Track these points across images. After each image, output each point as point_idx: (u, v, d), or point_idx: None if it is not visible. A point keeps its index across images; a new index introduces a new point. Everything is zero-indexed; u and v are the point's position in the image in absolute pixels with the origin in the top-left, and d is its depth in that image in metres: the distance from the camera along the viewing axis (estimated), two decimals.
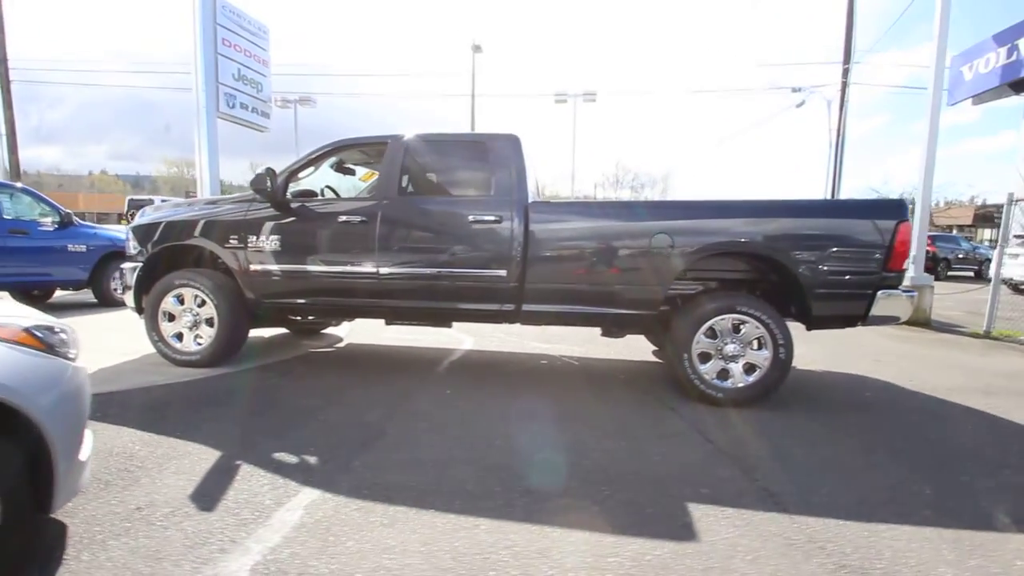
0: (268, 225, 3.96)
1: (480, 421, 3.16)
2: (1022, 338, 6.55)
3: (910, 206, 4.87)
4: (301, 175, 4.17)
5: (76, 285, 7.54)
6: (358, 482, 2.31)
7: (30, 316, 1.75)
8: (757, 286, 3.87)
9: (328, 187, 4.54)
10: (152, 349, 4.28)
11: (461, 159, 3.95)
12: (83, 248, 7.41)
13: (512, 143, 3.87)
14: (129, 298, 4.27)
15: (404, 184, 3.96)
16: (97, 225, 8.39)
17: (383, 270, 3.81)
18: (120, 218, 22.86)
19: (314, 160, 4.11)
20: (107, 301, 7.65)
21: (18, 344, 1.61)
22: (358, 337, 5.66)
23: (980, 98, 17.46)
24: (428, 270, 3.78)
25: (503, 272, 3.70)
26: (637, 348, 5.28)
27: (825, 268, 3.46)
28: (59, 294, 8.41)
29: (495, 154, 3.83)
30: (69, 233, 7.33)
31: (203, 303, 4.09)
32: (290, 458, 2.54)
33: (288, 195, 4.03)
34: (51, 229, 7.17)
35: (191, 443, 2.67)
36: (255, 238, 3.96)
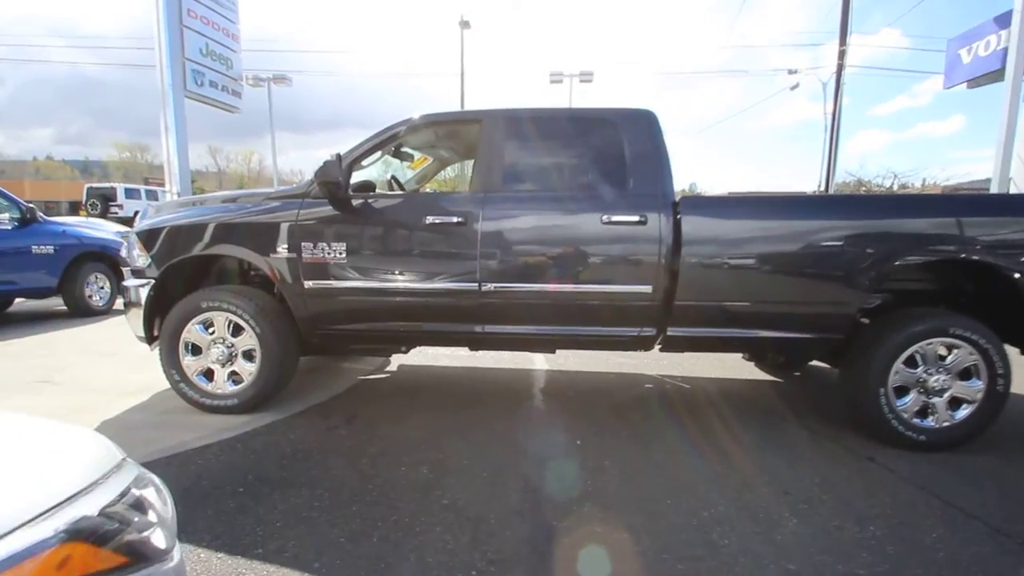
0: (330, 229, 3.01)
1: (658, 493, 2.34)
2: None
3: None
4: (365, 163, 3.22)
5: (43, 293, 6.33)
6: None
7: (61, 477, 0.81)
8: (942, 299, 3.17)
9: (394, 179, 3.59)
10: (163, 385, 3.32)
11: (583, 142, 3.07)
12: (50, 249, 6.20)
13: (648, 121, 3.02)
14: (137, 324, 3.27)
15: (510, 174, 3.05)
16: (65, 220, 7.13)
17: (487, 285, 2.93)
18: (78, 208, 20.85)
19: (382, 143, 3.16)
20: (81, 310, 6.48)
21: None
22: (403, 355, 4.75)
23: (977, 81, 17.26)
24: (547, 286, 2.92)
25: (646, 287, 2.87)
26: (728, 360, 4.55)
27: None
28: (19, 303, 7.15)
29: (629, 136, 2.97)
30: (33, 231, 6.11)
31: (238, 330, 3.13)
32: None
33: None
34: (10, 228, 5.94)
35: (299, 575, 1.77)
36: (312, 246, 3.01)
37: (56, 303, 6.76)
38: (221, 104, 10.54)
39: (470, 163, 4.81)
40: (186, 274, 3.33)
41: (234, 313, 3.08)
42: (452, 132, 3.50)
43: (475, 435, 2.97)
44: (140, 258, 3.25)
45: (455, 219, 2.92)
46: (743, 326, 2.91)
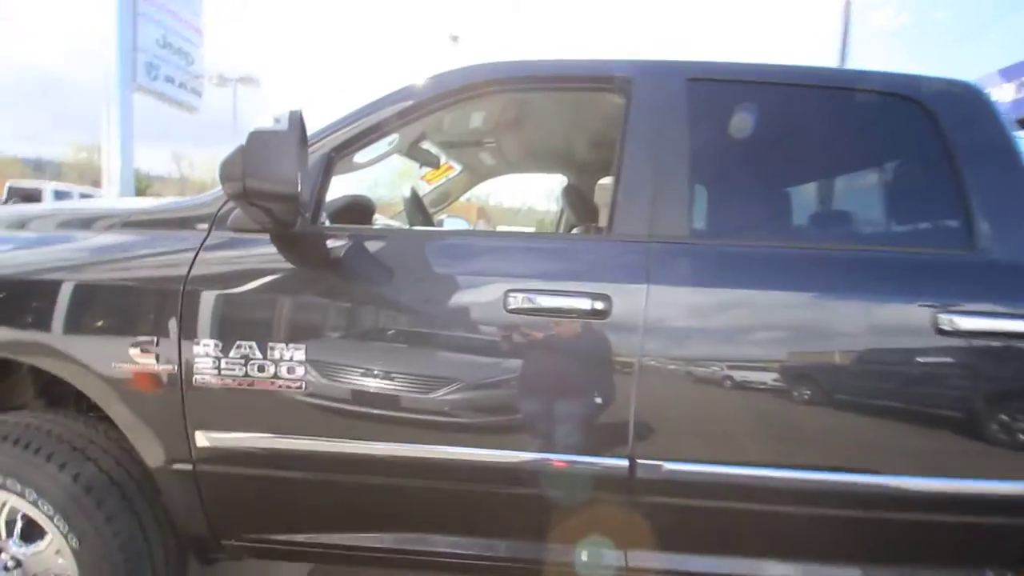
0: (269, 302, 1.25)
1: None
2: None
3: None
4: (360, 157, 1.49)
5: None
6: None
7: None
8: None
9: (414, 196, 1.87)
10: None
11: (861, 142, 1.41)
12: None
13: (982, 105, 1.40)
14: None
15: (705, 203, 1.36)
16: None
17: (651, 466, 1.20)
18: None
19: (402, 117, 1.42)
20: None
21: None
22: None
23: None
24: (793, 475, 1.22)
25: None
26: None
27: None
28: None
29: (962, 133, 1.33)
30: None
31: (32, 532, 1.29)
32: None
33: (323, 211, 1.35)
34: None
35: None
36: (218, 345, 1.22)
37: None
38: (177, 101, 9.37)
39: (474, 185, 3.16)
40: None
41: (19, 495, 1.25)
42: (534, 108, 1.82)
43: None
44: None
45: (584, 303, 1.20)
46: None
